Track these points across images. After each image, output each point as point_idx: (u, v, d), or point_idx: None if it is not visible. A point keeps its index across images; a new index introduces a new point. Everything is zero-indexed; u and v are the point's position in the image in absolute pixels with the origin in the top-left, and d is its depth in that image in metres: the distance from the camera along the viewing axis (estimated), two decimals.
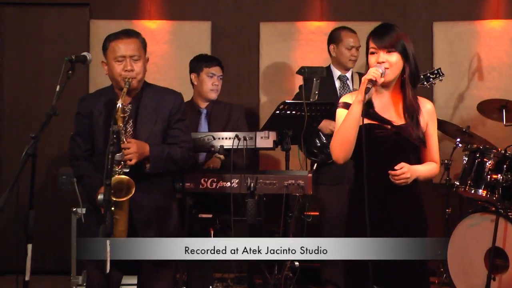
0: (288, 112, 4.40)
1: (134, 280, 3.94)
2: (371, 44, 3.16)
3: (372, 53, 3.15)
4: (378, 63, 3.11)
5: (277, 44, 6.20)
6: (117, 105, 3.39)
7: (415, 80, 3.20)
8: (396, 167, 3.08)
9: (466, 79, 6.06)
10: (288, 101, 4.43)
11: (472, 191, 4.99)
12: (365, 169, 2.95)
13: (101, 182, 3.47)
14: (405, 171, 3.07)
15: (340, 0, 6.25)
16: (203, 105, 4.90)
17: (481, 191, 4.96)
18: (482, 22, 6.09)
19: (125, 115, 3.45)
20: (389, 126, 3.14)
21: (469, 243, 4.99)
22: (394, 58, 3.12)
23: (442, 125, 5.50)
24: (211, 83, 4.84)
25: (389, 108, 3.19)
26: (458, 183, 5.09)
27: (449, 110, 6.06)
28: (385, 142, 3.11)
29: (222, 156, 4.60)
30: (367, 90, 3.01)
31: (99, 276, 3.58)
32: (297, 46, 6.19)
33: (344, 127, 3.10)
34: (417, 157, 3.19)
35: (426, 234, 3.23)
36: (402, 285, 3.15)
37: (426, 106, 3.24)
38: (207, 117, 4.87)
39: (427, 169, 3.21)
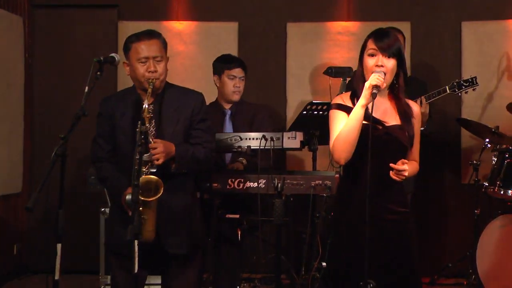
0: (315, 112, 4.40)
1: (158, 280, 3.96)
2: (371, 45, 3.23)
3: (372, 55, 3.22)
4: (376, 66, 3.18)
5: (304, 45, 6.19)
6: (144, 106, 3.40)
7: (406, 84, 3.30)
8: (398, 163, 3.12)
9: (495, 79, 5.99)
10: (315, 102, 4.43)
11: (502, 192, 4.95)
12: (369, 169, 3.01)
13: (126, 183, 3.50)
14: (406, 168, 3.13)
15: (367, 0, 6.22)
16: (227, 106, 4.89)
17: (510, 192, 4.91)
18: None
19: (151, 115, 3.46)
20: (380, 127, 3.22)
21: (499, 244, 4.95)
22: (391, 64, 3.20)
23: (471, 125, 5.46)
24: (233, 85, 4.81)
25: (381, 110, 3.25)
26: (487, 184, 5.06)
27: (478, 110, 6.00)
28: (375, 142, 3.12)
29: (244, 161, 4.61)
30: (374, 96, 3.07)
31: (123, 276, 3.61)
32: (324, 46, 6.17)
33: (347, 130, 3.16)
34: (403, 157, 3.22)
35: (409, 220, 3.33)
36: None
37: (414, 109, 3.34)
38: (231, 118, 4.87)
39: (411, 167, 3.27)
